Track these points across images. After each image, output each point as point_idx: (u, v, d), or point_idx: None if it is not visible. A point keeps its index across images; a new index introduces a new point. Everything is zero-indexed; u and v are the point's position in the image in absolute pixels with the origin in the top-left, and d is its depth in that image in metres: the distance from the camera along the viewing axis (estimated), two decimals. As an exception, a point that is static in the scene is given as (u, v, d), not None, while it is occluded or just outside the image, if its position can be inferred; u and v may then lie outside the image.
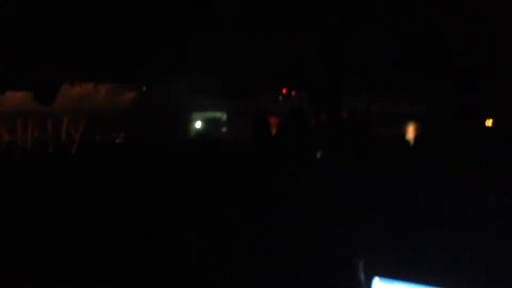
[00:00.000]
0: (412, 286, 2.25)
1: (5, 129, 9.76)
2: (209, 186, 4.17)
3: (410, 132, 13.09)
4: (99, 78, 9.48)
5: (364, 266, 1.76)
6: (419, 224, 2.68)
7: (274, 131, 8.96)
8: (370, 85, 9.25)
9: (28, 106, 9.28)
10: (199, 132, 11.39)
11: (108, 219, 3.66)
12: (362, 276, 1.76)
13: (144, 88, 10.72)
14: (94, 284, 2.81)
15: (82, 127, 10.55)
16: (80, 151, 8.38)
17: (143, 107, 10.65)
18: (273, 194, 3.93)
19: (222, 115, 13.14)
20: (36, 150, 8.91)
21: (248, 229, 3.03)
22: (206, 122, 12.82)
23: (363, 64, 8.71)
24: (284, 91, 11.16)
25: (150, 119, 10.06)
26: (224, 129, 11.37)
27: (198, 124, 12.76)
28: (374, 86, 9.32)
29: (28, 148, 9.07)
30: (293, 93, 11.15)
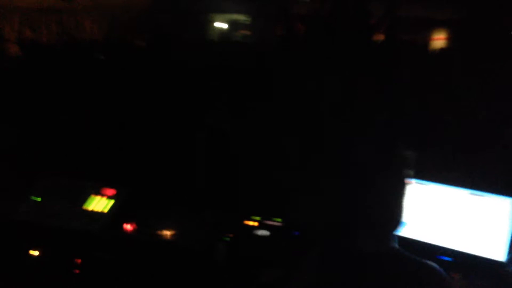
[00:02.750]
0: (446, 187, 2.25)
1: (27, 26, 9.67)
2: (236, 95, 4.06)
3: (439, 40, 12.68)
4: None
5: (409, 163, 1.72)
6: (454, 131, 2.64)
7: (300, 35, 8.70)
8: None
9: (50, 3, 9.12)
10: (221, 35, 11.14)
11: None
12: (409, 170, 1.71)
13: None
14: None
15: (105, 26, 10.40)
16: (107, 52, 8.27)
17: (161, 6, 10.37)
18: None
19: (245, 18, 12.82)
20: (62, 48, 8.81)
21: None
22: (228, 24, 12.54)
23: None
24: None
25: (169, 20, 9.82)
26: (246, 32, 11.11)
27: (220, 25, 12.48)
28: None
29: (53, 45, 8.95)
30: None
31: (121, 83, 4.19)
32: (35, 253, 2.48)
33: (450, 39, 11.90)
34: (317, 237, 2.15)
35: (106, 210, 2.61)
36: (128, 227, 2.52)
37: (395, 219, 1.69)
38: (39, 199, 2.70)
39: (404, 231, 2.25)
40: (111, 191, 2.70)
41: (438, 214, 2.23)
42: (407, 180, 1.69)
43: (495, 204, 2.14)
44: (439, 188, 2.24)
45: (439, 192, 2.24)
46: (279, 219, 2.59)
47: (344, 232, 1.72)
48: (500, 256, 2.08)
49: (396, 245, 1.67)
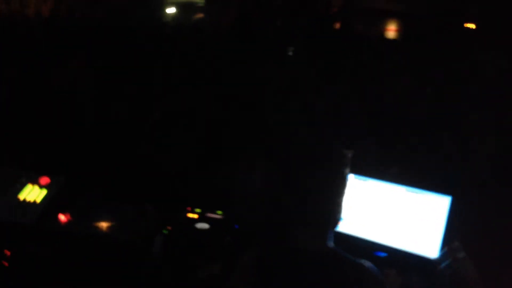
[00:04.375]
0: (386, 183, 2.27)
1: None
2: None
3: (391, 31, 12.87)
4: None
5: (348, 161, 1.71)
6: (397, 127, 2.66)
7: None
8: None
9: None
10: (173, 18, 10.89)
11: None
12: (348, 173, 1.71)
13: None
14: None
15: (51, 1, 10.05)
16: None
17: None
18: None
19: (200, 0, 12.58)
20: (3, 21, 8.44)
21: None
22: (181, 6, 12.28)
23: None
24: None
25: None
26: (200, 15, 10.91)
27: (171, 9, 12.19)
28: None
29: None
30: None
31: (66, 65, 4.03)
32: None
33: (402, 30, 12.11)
34: (256, 233, 2.15)
35: (39, 200, 2.51)
36: (62, 218, 2.43)
37: (333, 218, 1.68)
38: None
39: (342, 227, 2.27)
40: (46, 180, 2.60)
41: (375, 210, 2.25)
42: (345, 179, 1.69)
43: (433, 202, 2.17)
44: (377, 184, 2.26)
45: (377, 188, 2.25)
46: (220, 212, 2.56)
47: (282, 230, 1.70)
48: (434, 253, 2.12)
49: (332, 244, 1.67)
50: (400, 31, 12.66)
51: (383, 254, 2.20)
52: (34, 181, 2.59)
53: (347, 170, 1.69)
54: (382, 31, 12.39)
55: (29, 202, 2.49)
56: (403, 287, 2.08)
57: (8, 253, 2.32)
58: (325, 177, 1.66)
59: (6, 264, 2.31)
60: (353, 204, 2.28)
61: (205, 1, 12.25)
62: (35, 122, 3.04)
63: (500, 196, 2.29)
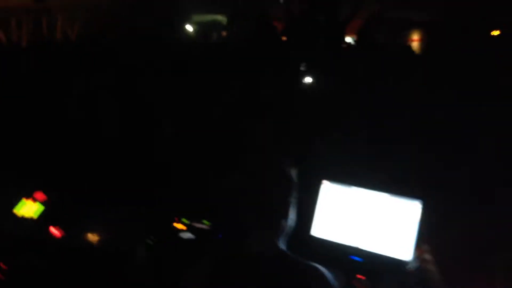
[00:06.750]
0: (359, 189, 2.30)
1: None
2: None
3: (414, 42, 12.73)
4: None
5: (291, 164, 1.77)
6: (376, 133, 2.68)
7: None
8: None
9: (22, 3, 9.08)
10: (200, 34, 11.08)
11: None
12: (293, 175, 1.76)
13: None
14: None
15: (78, 26, 10.38)
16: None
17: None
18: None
19: (222, 19, 12.79)
20: (31, 48, 8.77)
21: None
22: (206, 25, 12.50)
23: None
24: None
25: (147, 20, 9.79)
26: (224, 33, 11.09)
27: (189, 28, 12.39)
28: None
29: (22, 45, 8.88)
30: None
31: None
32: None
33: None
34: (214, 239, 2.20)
35: (36, 216, 2.63)
36: (55, 232, 2.54)
37: (283, 222, 1.72)
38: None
39: (317, 232, 2.30)
40: (41, 196, 2.72)
41: (350, 215, 2.28)
42: (290, 182, 1.73)
43: (406, 206, 2.19)
44: (351, 189, 2.28)
45: (351, 194, 2.28)
46: (207, 222, 2.62)
47: (235, 233, 1.76)
48: (408, 256, 2.13)
49: (284, 247, 1.71)
50: (423, 41, 12.50)
51: (358, 259, 2.22)
52: (29, 196, 2.72)
53: (292, 172, 1.73)
54: (405, 41, 12.24)
55: (22, 217, 2.62)
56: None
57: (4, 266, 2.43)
58: (274, 183, 1.71)
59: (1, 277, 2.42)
60: (327, 209, 2.31)
61: (228, 20, 12.44)
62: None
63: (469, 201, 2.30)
